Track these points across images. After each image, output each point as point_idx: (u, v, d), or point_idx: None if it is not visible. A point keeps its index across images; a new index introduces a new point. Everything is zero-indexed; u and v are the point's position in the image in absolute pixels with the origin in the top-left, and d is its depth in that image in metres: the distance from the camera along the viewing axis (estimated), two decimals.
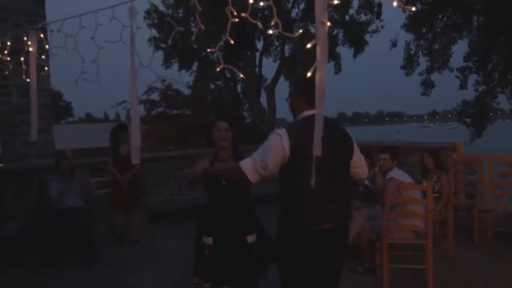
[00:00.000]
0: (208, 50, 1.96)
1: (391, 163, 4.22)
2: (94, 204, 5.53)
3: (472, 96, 14.50)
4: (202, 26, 1.55)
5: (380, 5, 14.93)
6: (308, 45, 1.42)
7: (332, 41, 15.68)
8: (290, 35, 1.44)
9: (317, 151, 1.74)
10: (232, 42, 1.57)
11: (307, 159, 1.86)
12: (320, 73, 1.49)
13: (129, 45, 2.02)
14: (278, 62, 16.67)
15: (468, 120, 14.52)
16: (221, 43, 1.64)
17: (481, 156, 5.59)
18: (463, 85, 14.45)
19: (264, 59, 17.13)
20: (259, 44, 16.71)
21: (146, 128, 11.61)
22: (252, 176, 2.20)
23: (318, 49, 1.41)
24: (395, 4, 1.18)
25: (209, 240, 2.83)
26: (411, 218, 3.83)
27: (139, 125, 2.24)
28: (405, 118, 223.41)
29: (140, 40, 2.40)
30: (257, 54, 16.72)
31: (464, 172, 5.68)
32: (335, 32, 15.91)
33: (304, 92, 2.21)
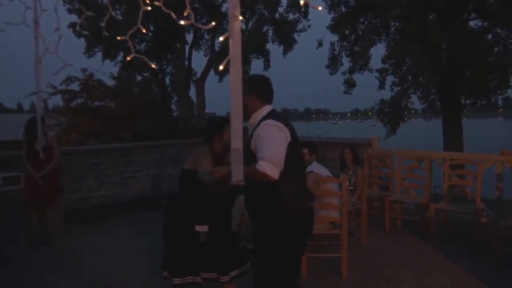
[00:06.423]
0: (118, 38, 1.83)
1: (309, 158, 4.42)
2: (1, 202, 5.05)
3: (389, 96, 15.70)
4: (113, 13, 1.48)
5: (307, 5, 15.45)
6: (221, 38, 1.41)
7: (262, 38, 15.90)
8: (201, 26, 1.42)
9: (237, 143, 1.74)
10: (144, 31, 1.51)
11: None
12: (234, 66, 1.49)
13: (33, 28, 1.85)
14: (208, 56, 16.50)
15: (385, 118, 15.68)
16: (132, 31, 1.57)
17: (392, 151, 6.03)
18: (381, 86, 15.57)
19: (195, 53, 16.89)
20: (190, 37, 16.43)
21: (64, 120, 10.80)
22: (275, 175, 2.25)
23: (231, 42, 1.42)
24: (302, 2, 1.23)
25: (204, 228, 2.92)
26: (328, 209, 4.04)
27: (41, 112, 2.08)
28: (330, 115, 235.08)
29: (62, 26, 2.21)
30: (187, 47, 16.42)
31: (378, 166, 6.10)
32: (265, 29, 16.16)
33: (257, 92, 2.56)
